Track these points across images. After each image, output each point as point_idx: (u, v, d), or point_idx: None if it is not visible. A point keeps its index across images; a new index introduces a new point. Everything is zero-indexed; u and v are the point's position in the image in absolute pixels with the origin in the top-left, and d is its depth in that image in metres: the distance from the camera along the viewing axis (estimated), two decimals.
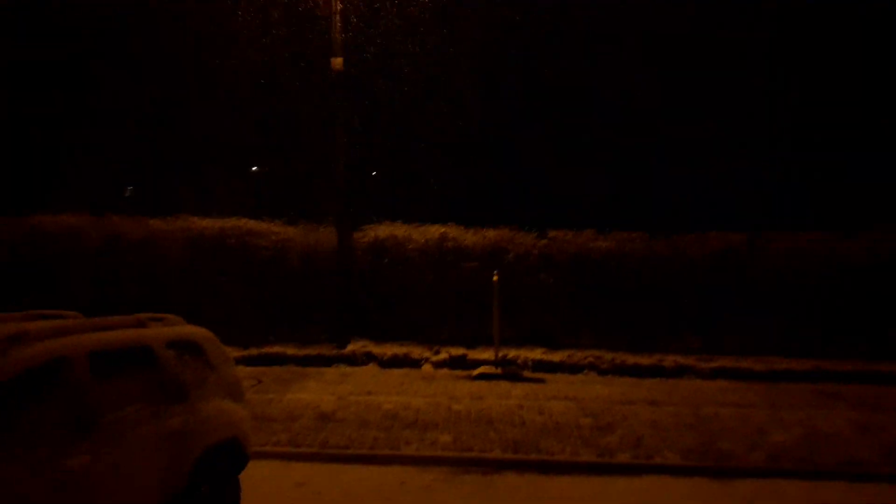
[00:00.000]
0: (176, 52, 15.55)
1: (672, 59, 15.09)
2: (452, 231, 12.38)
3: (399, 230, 12.38)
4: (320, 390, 9.37)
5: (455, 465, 6.89)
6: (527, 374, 10.56)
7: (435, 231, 12.33)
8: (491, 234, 12.32)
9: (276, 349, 11.28)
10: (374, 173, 17.82)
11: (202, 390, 5.12)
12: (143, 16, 15.34)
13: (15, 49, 15.25)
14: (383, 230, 12.38)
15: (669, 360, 10.98)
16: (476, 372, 10.45)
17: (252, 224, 12.24)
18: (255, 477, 6.09)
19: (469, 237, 12.30)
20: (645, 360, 10.98)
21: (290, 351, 11.25)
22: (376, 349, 11.29)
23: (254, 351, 11.16)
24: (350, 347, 11.33)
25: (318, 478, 6.46)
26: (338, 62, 11.42)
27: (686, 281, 11.89)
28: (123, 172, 17.27)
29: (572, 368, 10.95)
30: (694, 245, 12.10)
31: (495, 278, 10.71)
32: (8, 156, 15.59)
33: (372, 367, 10.95)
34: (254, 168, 17.86)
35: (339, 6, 11.45)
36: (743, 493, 6.19)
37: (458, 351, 11.27)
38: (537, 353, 11.23)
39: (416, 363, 11.08)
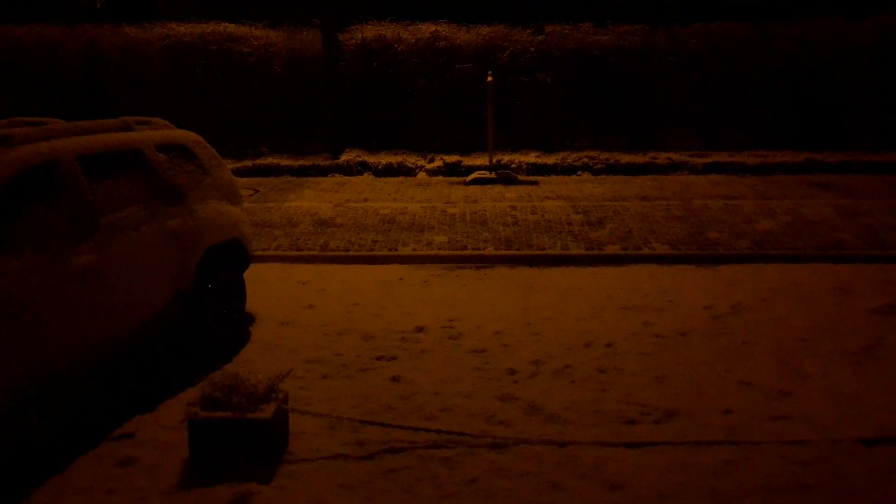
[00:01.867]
0: None
1: None
2: (444, 29, 11.81)
3: (387, 30, 11.81)
4: (317, 198, 9.50)
5: (450, 262, 7.18)
6: (521, 177, 10.62)
7: (426, 30, 11.77)
8: (485, 31, 11.77)
9: (271, 160, 11.26)
10: None
11: (198, 192, 5.17)
12: None
13: None
14: (370, 30, 11.81)
15: (663, 157, 11.02)
16: (470, 177, 10.51)
17: (232, 28, 11.65)
18: (260, 277, 6.38)
19: (462, 35, 11.76)
20: (639, 159, 11.01)
21: (285, 162, 11.23)
22: (370, 158, 11.26)
23: (248, 162, 11.15)
24: (344, 157, 11.29)
25: (321, 276, 6.74)
26: None
27: (687, 75, 11.58)
28: None
29: (566, 170, 11.01)
30: (696, 36, 11.61)
31: (490, 79, 10.40)
32: None
33: (367, 177, 11.00)
34: None
35: None
36: (725, 276, 6.51)
37: (452, 158, 11.26)
38: (532, 157, 11.23)
39: (410, 171, 11.11)
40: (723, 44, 11.54)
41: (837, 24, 11.47)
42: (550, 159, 11.16)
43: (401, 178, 10.87)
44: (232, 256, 5.45)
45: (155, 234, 4.67)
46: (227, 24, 11.63)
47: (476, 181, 10.40)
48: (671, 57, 11.55)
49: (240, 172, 10.81)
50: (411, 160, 11.26)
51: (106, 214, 4.32)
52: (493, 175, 10.50)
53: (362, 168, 11.14)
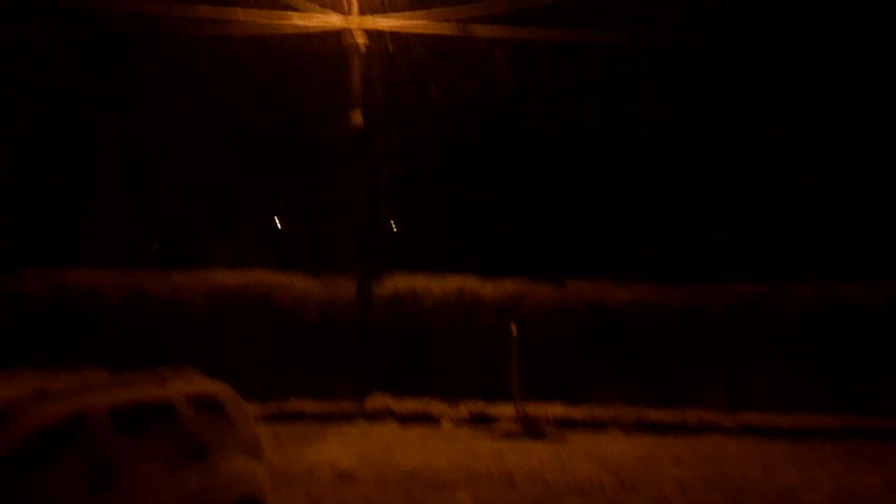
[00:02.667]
0: (198, 105, 16.01)
1: (683, 106, 15.18)
2: (470, 282, 12.40)
3: (417, 282, 12.43)
4: (339, 448, 9.29)
5: None
6: (548, 430, 10.40)
7: (453, 283, 12.36)
8: (509, 285, 12.32)
9: (296, 405, 11.25)
10: (392, 223, 18.05)
11: (222, 448, 5.10)
12: (164, 69, 15.74)
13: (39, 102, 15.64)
14: (402, 282, 12.43)
15: (693, 415, 10.76)
16: (496, 429, 10.33)
17: (273, 277, 12.37)
18: None
19: (487, 288, 12.29)
20: (668, 417, 10.77)
21: (310, 407, 11.21)
22: (396, 405, 11.20)
23: (273, 407, 11.13)
24: (369, 403, 11.25)
25: None
26: (356, 117, 11.71)
27: (706, 332, 11.76)
28: (151, 227, 17.64)
29: (594, 425, 10.76)
30: (713, 296, 11.99)
31: (513, 330, 10.66)
32: (36, 210, 16.00)
33: (391, 424, 10.85)
34: (277, 221, 18.18)
35: (359, 66, 11.75)
36: None
37: (477, 406, 11.15)
38: (558, 409, 11.07)
39: (435, 420, 10.97)
40: (739, 304, 11.85)
41: (855, 286, 11.79)
42: (577, 412, 10.98)
43: (425, 427, 10.68)
44: None
45: (172, 494, 4.54)
46: (268, 272, 12.38)
47: (502, 433, 10.18)
48: (689, 314, 11.86)
49: (265, 417, 10.75)
50: (436, 408, 11.16)
51: (126, 472, 4.24)
52: (519, 428, 10.30)
53: (387, 415, 11.03)
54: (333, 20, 11.48)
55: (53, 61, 14.65)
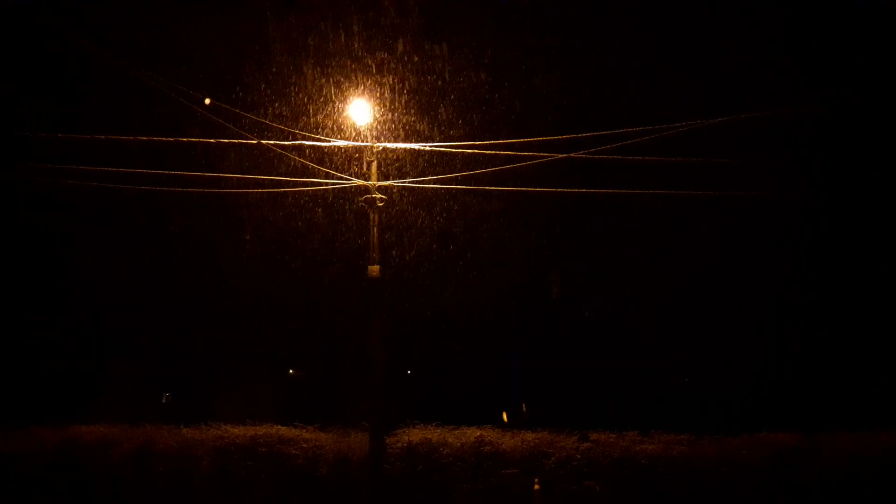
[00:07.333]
0: (214, 259, 16.48)
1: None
2: (489, 434, 11.97)
3: (433, 434, 12.02)
4: None
5: None
6: None
7: (471, 434, 11.94)
8: (530, 437, 11.87)
9: None
10: (409, 372, 17.85)
11: None
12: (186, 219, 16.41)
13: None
14: (416, 434, 12.03)
15: None
16: None
17: (284, 431, 12.07)
18: None
19: (507, 440, 11.85)
20: None
21: None
22: None
23: None
24: None
25: None
26: (374, 270, 11.91)
27: (741, 484, 11.15)
28: (162, 379, 17.54)
29: None
30: (744, 447, 11.52)
31: (536, 487, 10.13)
32: (47, 365, 16.06)
33: None
34: (290, 371, 18.04)
35: (377, 220, 12.14)
36: None
37: None
38: None
39: None
40: (774, 454, 11.34)
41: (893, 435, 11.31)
42: None
43: None
44: None
45: None
46: (279, 426, 12.09)
47: None
48: (720, 466, 11.32)
49: None
50: None
51: None
52: None
53: None
54: (356, 182, 12.22)
55: None
